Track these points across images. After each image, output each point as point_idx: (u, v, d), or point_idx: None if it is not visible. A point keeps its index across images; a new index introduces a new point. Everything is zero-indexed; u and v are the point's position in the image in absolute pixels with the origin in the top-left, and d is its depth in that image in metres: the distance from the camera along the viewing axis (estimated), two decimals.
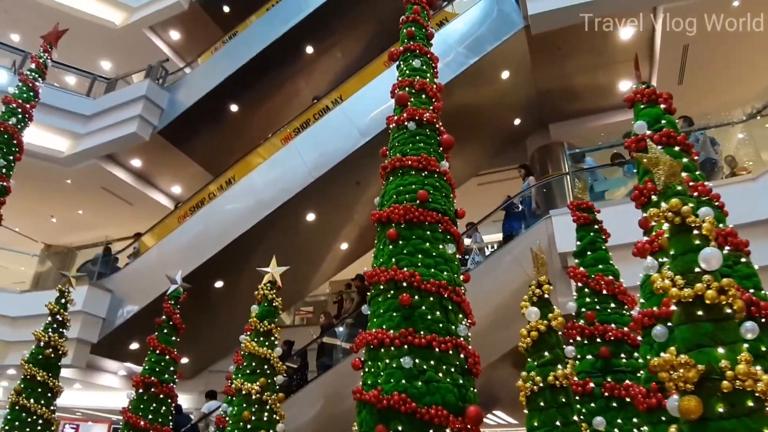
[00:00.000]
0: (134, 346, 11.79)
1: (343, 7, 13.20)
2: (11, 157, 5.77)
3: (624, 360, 4.02)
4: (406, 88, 4.69)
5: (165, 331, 5.82)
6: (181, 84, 14.64)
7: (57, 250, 15.03)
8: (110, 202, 15.17)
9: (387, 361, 3.21)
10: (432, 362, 3.15)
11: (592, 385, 3.90)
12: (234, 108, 14.47)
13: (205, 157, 14.69)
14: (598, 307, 4.27)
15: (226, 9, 16.32)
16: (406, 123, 4.44)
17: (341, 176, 10.11)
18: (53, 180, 13.89)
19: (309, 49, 14.16)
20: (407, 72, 4.82)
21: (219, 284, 11.28)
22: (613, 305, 4.27)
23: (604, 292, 4.31)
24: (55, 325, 6.41)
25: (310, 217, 11.04)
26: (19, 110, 5.96)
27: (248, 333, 5.17)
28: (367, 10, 13.84)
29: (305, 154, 10.47)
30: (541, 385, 3.06)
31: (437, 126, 4.49)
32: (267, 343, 4.90)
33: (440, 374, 3.12)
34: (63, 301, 6.38)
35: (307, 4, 13.19)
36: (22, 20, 15.08)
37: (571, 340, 4.25)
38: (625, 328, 4.11)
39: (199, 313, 10.92)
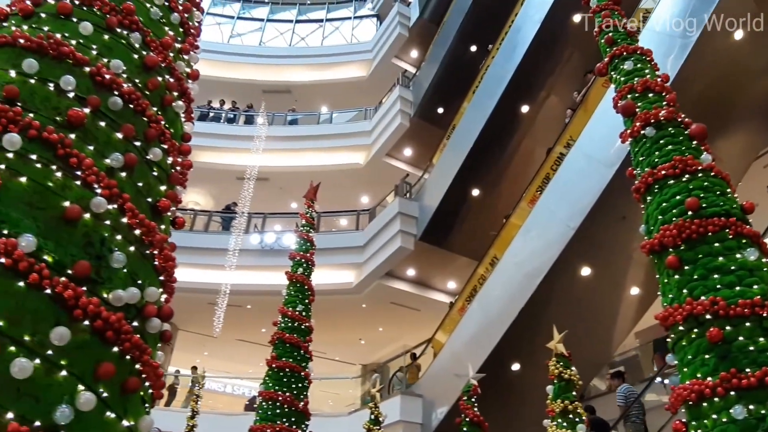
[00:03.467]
0: None
1: (541, 56, 12.91)
2: (307, 301, 6.84)
3: None
4: (628, 96, 4.16)
5: (465, 429, 5.71)
6: (425, 190, 15.94)
7: (372, 368, 16.85)
8: (401, 314, 16.68)
9: (714, 416, 2.51)
10: None
11: None
12: (476, 192, 14.91)
13: (466, 246, 15.19)
14: None
15: (440, 110, 17.62)
16: (642, 131, 3.89)
17: (602, 217, 9.18)
18: (352, 308, 16.07)
19: (525, 109, 14.04)
20: (622, 79, 4.32)
21: (516, 367, 10.93)
22: None
23: None
24: None
25: (585, 271, 10.15)
26: (303, 260, 7.15)
27: (551, 416, 4.72)
28: (566, 48, 13.26)
29: (556, 209, 9.94)
30: None
31: (680, 120, 3.79)
32: (565, 424, 4.35)
33: None
34: (373, 416, 6.90)
35: (507, 69, 13.31)
36: (293, 190, 18.63)
37: None
38: None
39: (507, 402, 10.63)
